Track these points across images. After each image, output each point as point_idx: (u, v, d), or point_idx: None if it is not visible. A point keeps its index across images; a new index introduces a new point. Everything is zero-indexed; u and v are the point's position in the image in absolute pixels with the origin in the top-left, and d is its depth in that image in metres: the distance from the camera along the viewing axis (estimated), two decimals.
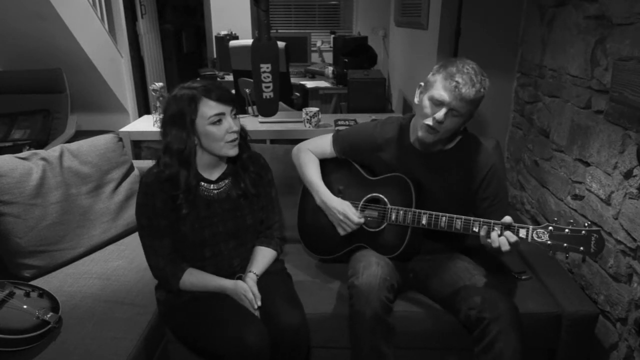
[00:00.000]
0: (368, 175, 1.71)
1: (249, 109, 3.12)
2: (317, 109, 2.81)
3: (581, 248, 1.26)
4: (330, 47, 4.79)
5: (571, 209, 1.93)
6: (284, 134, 2.79)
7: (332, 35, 4.75)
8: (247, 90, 3.02)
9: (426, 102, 1.47)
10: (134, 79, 4.28)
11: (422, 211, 1.52)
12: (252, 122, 2.89)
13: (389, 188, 1.63)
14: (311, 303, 1.59)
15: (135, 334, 1.49)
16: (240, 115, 3.05)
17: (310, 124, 2.77)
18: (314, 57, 4.87)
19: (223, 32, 4.47)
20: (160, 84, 2.70)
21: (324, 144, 1.79)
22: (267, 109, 2.06)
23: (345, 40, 4.19)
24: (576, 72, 1.89)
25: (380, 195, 1.64)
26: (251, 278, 1.52)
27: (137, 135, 2.74)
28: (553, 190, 2.09)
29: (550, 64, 2.12)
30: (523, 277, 1.75)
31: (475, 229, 1.41)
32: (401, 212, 1.56)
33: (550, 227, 1.30)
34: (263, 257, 1.60)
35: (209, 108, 1.39)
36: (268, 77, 1.96)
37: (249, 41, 2.76)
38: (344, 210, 1.61)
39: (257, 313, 1.45)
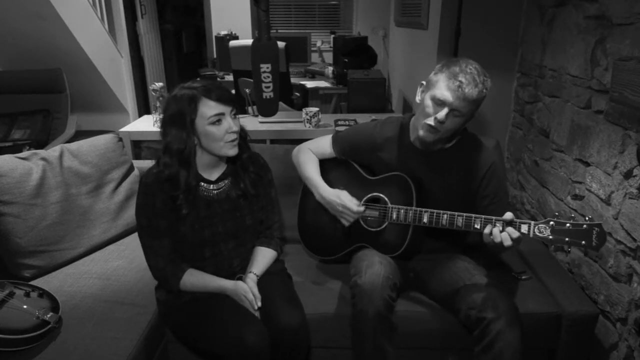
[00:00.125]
0: (368, 175, 1.71)
1: (249, 109, 3.12)
2: (317, 109, 2.81)
3: (583, 242, 1.26)
4: (330, 47, 4.79)
5: (571, 209, 1.93)
6: (284, 134, 2.79)
7: (332, 35, 4.75)
8: (247, 90, 3.02)
9: (428, 102, 1.47)
10: (134, 79, 4.28)
11: (423, 209, 1.52)
12: (252, 122, 2.89)
13: (389, 187, 1.63)
14: (311, 303, 1.59)
15: (135, 334, 1.49)
16: (240, 115, 3.05)
17: (310, 124, 2.77)
18: (314, 57, 4.87)
19: (223, 32, 4.47)
20: (160, 84, 2.70)
21: (323, 144, 1.79)
22: (267, 109, 2.06)
23: (345, 40, 4.19)
24: (576, 72, 1.89)
25: (381, 195, 1.64)
26: (251, 279, 1.52)
27: (137, 135, 2.74)
28: (553, 190, 2.09)
29: (550, 64, 2.12)
30: (523, 277, 1.75)
31: (477, 226, 1.41)
32: (402, 211, 1.56)
33: (552, 222, 1.30)
34: (263, 257, 1.60)
35: (208, 108, 1.39)
36: (268, 77, 1.96)
37: (249, 41, 2.76)
38: (342, 200, 1.60)
39: (257, 314, 1.45)
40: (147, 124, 2.85)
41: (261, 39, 1.91)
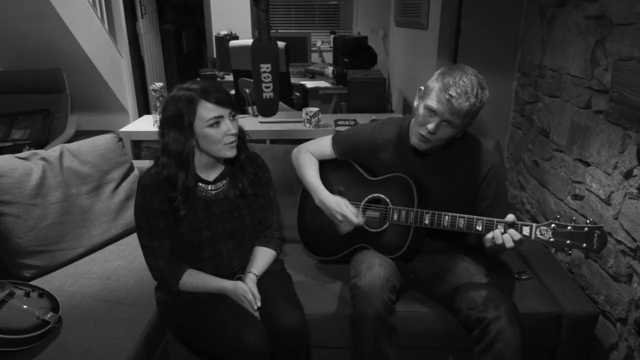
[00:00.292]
0: (369, 176, 1.70)
1: (249, 109, 3.12)
2: (317, 109, 2.81)
3: (584, 245, 1.27)
4: (330, 47, 4.79)
5: (571, 209, 1.93)
6: (284, 134, 2.79)
7: (332, 35, 4.75)
8: (247, 90, 3.02)
9: (422, 110, 1.47)
10: (134, 79, 4.28)
11: (425, 210, 1.52)
12: (252, 122, 2.89)
13: (390, 188, 1.63)
14: (311, 303, 1.59)
15: (135, 334, 1.48)
16: (240, 115, 3.06)
17: (310, 124, 2.77)
18: (314, 57, 4.87)
19: (223, 32, 4.47)
20: (160, 84, 2.70)
21: (323, 145, 1.79)
22: (267, 109, 2.06)
23: (345, 40, 4.19)
24: (576, 72, 1.89)
25: (382, 196, 1.64)
26: (251, 279, 1.52)
27: (137, 135, 2.74)
28: (553, 190, 2.09)
29: (550, 64, 2.12)
30: (523, 277, 1.75)
31: (479, 228, 1.41)
32: (403, 212, 1.56)
33: (553, 225, 1.30)
34: (263, 257, 1.60)
35: (207, 111, 1.39)
36: (268, 77, 1.96)
37: (249, 41, 2.76)
38: (341, 209, 1.61)
39: (256, 314, 1.45)
40: (147, 124, 2.85)
41: (261, 39, 1.91)
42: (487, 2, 2.40)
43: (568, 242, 1.28)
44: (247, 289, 1.47)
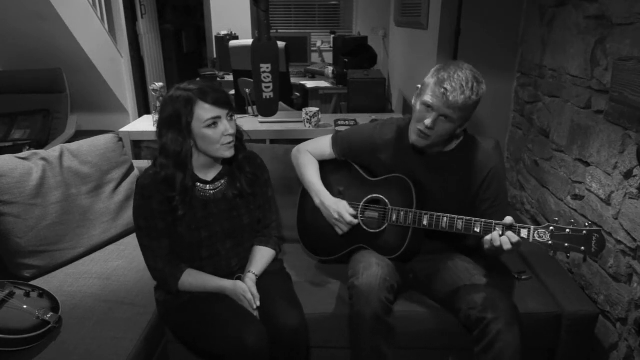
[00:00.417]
0: (368, 176, 1.70)
1: (249, 109, 3.12)
2: (317, 109, 2.81)
3: (582, 248, 1.27)
4: (330, 47, 4.79)
5: (571, 209, 1.93)
6: (284, 134, 2.79)
7: (332, 35, 4.74)
8: (247, 90, 3.02)
9: (419, 106, 1.48)
10: (134, 79, 4.28)
11: (424, 212, 1.52)
12: (252, 122, 2.89)
13: (390, 189, 1.63)
14: (310, 303, 1.59)
15: (135, 334, 1.49)
16: (240, 116, 3.06)
17: (310, 124, 2.77)
18: (314, 57, 4.87)
19: (223, 32, 4.47)
20: (160, 84, 2.70)
21: (323, 145, 1.79)
22: (267, 109, 2.05)
23: (345, 40, 4.19)
24: (576, 72, 1.89)
25: (381, 196, 1.64)
26: (250, 278, 1.52)
27: (137, 135, 2.74)
28: (553, 190, 2.09)
29: (550, 64, 2.12)
30: (523, 277, 1.75)
31: (477, 230, 1.41)
32: (402, 213, 1.56)
33: (552, 227, 1.30)
34: (262, 256, 1.60)
35: (204, 111, 1.38)
36: (268, 77, 1.95)
37: (249, 41, 2.76)
38: (339, 209, 1.61)
39: (256, 313, 1.45)
40: (147, 124, 2.85)
41: (261, 39, 1.91)
42: (487, 2, 2.40)
43: (566, 245, 1.28)
44: (246, 289, 1.47)
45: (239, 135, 1.53)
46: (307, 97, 4.14)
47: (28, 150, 2.33)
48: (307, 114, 2.76)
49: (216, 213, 1.52)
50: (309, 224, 1.82)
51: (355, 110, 3.35)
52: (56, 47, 3.25)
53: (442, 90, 1.39)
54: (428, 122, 1.44)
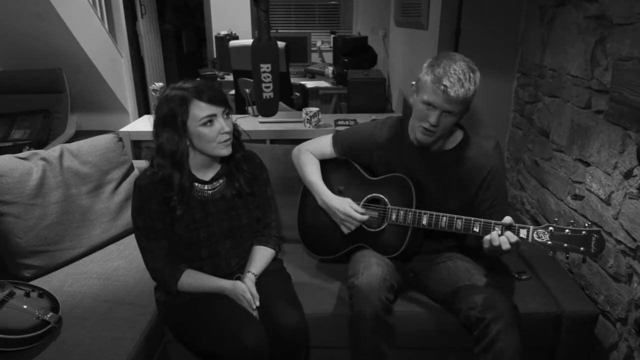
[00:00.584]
0: (368, 176, 1.70)
1: (249, 109, 3.12)
2: (317, 109, 2.81)
3: (581, 248, 1.27)
4: (330, 47, 4.79)
5: (571, 209, 1.93)
6: (284, 134, 2.79)
7: (332, 35, 4.75)
8: (247, 90, 3.02)
9: (420, 105, 1.47)
10: (134, 79, 4.28)
11: (423, 211, 1.52)
12: (252, 122, 2.89)
13: (389, 188, 1.63)
14: (310, 303, 1.59)
15: (135, 334, 1.49)
16: (240, 116, 3.07)
17: (310, 124, 2.77)
18: (314, 57, 4.87)
19: (223, 32, 4.48)
20: (160, 84, 2.70)
21: (323, 144, 1.79)
22: (267, 109, 2.06)
23: (345, 40, 4.19)
24: (576, 72, 1.89)
25: (381, 196, 1.64)
26: (250, 278, 1.52)
27: (137, 135, 2.74)
28: (553, 190, 2.09)
29: (550, 64, 2.12)
30: (523, 277, 1.75)
31: (476, 229, 1.41)
32: (402, 212, 1.56)
33: (551, 228, 1.30)
34: (261, 256, 1.60)
35: (199, 110, 1.38)
36: (268, 77, 1.96)
37: (249, 41, 2.76)
38: (345, 209, 1.61)
39: (255, 313, 1.45)
40: (147, 124, 2.84)
41: (261, 39, 1.91)
42: (487, 2, 2.40)
43: (565, 245, 1.28)
44: (245, 289, 1.47)
45: (237, 134, 1.53)
46: (307, 97, 4.14)
47: (28, 150, 2.33)
48: (307, 114, 2.76)
49: (215, 213, 1.52)
50: (309, 223, 1.82)
51: (355, 110, 3.35)
52: (56, 47, 3.25)
53: (442, 87, 1.39)
54: (433, 120, 1.44)
